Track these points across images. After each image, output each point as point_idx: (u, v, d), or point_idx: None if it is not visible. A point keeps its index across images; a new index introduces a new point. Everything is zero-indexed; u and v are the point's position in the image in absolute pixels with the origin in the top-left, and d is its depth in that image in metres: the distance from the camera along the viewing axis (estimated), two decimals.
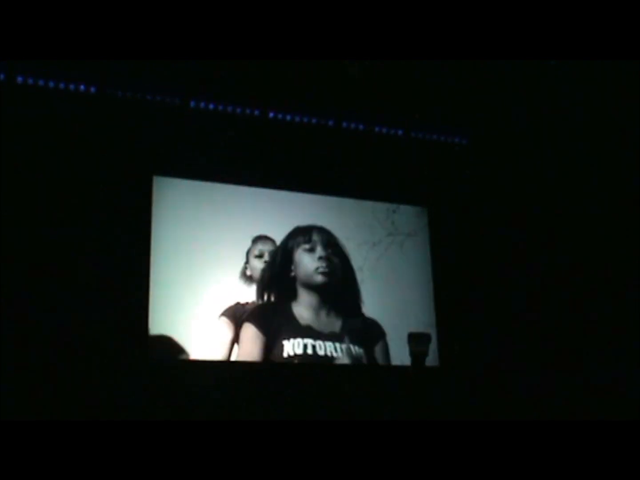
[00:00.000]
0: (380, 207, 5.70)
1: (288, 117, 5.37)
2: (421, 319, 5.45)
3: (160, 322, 4.81)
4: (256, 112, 5.29)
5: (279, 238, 5.29)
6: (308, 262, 5.22)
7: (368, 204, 5.67)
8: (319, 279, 5.18)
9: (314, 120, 5.44)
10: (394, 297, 5.53)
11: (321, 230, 5.36)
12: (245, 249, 5.22)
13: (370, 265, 5.52)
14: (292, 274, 5.21)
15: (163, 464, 3.37)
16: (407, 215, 5.76)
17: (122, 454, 3.36)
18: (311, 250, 5.25)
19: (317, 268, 5.19)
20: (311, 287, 5.20)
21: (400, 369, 5.02)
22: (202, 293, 4.99)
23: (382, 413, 4.80)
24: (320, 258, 5.22)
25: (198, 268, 5.02)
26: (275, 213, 5.35)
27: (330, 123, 5.49)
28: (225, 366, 4.92)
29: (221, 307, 5.03)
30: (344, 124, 5.53)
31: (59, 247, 4.56)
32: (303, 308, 5.19)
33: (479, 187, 5.75)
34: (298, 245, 5.25)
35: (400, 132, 5.68)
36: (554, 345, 5.32)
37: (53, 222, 4.59)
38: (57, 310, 4.46)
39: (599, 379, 4.98)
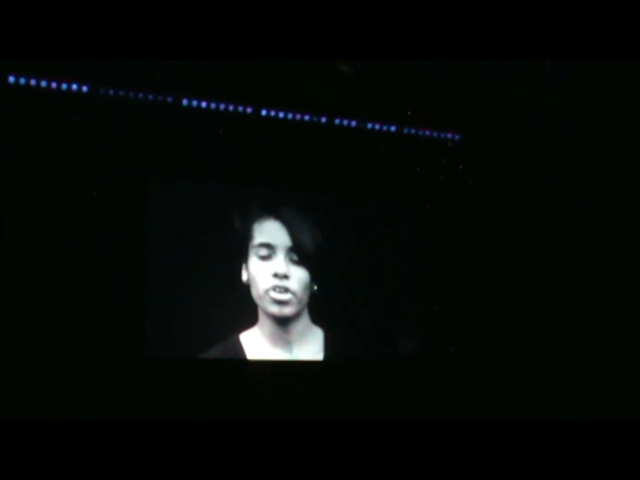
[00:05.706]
0: (373, 204, 5.67)
1: (281, 115, 5.35)
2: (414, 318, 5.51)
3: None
4: (249, 110, 5.26)
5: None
6: None
7: (361, 201, 5.64)
8: None
9: (306, 118, 5.42)
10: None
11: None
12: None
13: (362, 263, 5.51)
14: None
15: (162, 464, 3.36)
16: (401, 212, 5.75)
17: (118, 453, 3.36)
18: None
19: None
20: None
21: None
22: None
23: (377, 412, 4.83)
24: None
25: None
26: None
27: (323, 120, 5.47)
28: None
29: None
30: (337, 121, 5.51)
31: (55, 245, 4.58)
32: None
33: (473, 183, 5.75)
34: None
35: (393, 129, 5.67)
36: (553, 344, 5.35)
37: (48, 220, 4.58)
38: (54, 304, 4.54)
39: (598, 378, 5.01)
